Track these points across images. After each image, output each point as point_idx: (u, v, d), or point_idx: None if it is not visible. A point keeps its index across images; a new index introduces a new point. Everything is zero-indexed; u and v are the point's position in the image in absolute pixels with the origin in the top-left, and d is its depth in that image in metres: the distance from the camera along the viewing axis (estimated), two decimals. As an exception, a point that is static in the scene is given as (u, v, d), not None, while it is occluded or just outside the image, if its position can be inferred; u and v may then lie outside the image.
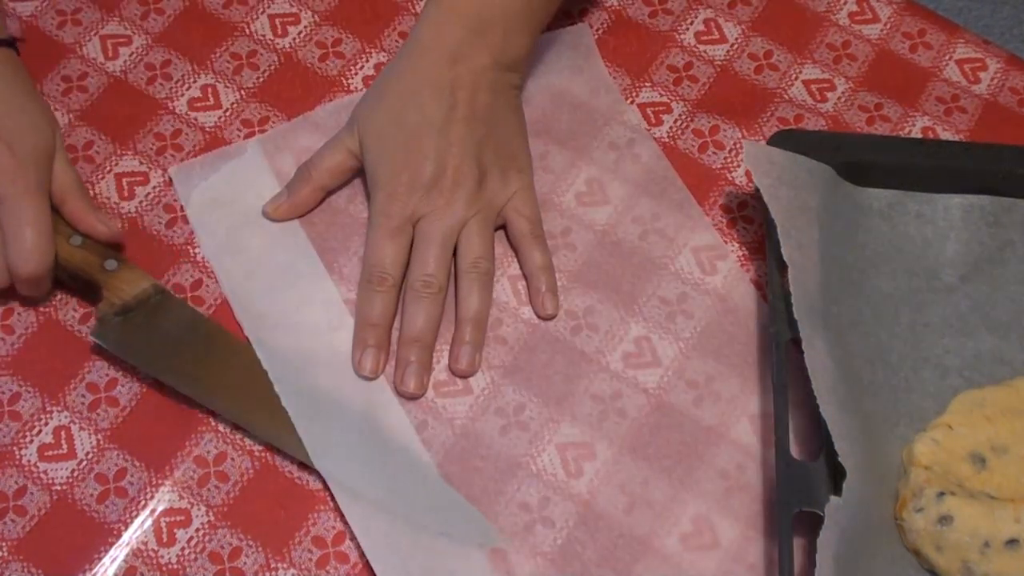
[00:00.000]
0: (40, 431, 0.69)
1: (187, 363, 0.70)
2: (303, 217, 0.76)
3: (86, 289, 0.71)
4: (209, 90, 0.80)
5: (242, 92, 0.80)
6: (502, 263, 0.75)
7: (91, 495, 0.67)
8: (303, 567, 0.66)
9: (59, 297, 0.73)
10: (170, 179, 0.77)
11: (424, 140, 0.73)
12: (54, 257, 0.69)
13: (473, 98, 0.73)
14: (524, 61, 0.76)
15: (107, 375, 0.70)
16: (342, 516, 0.67)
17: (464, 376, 0.71)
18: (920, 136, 0.81)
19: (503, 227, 0.76)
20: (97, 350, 0.71)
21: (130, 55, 0.81)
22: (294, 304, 0.73)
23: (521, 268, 0.75)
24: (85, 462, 0.68)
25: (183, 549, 0.66)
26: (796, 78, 0.83)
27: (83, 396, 0.70)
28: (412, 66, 0.74)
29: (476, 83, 0.73)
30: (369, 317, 0.71)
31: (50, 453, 0.68)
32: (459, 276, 0.72)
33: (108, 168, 0.77)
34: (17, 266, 0.68)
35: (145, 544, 0.66)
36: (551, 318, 0.73)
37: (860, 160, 0.75)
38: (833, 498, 0.62)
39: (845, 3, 0.87)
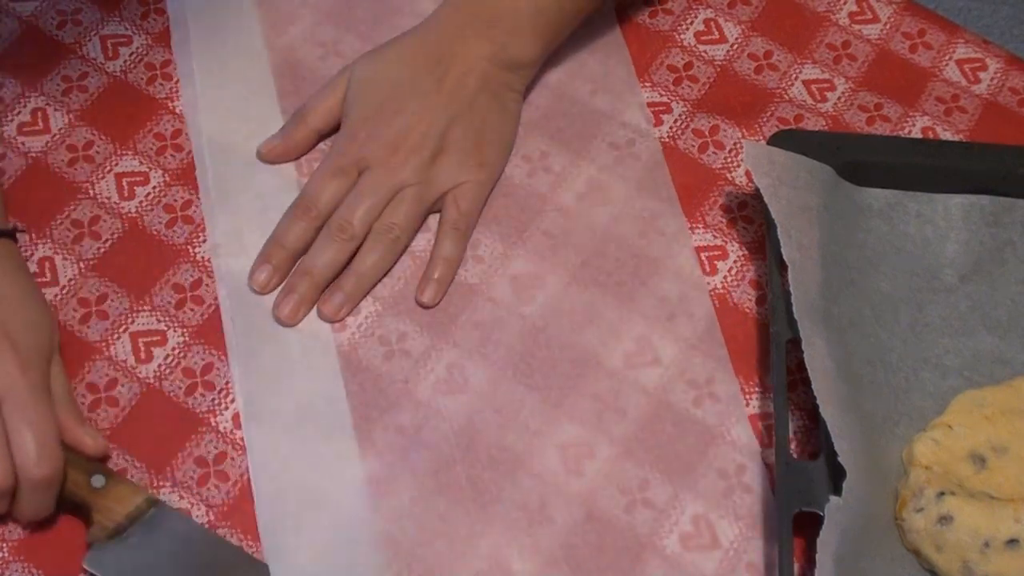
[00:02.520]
0: (40, 431, 0.69)
1: None
2: (296, 161, 0.77)
3: (74, 510, 0.66)
4: (209, 90, 0.80)
5: (242, 92, 0.80)
6: (502, 263, 0.75)
7: (91, 495, 0.67)
8: (303, 567, 0.66)
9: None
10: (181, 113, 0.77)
11: (403, 100, 0.75)
12: (63, 461, 0.64)
13: (463, 79, 0.75)
14: (528, 67, 0.78)
15: (107, 375, 0.70)
16: (342, 516, 0.67)
17: (325, 320, 0.72)
18: (920, 136, 0.81)
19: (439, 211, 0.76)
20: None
21: (130, 55, 0.81)
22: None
23: (431, 253, 0.74)
24: (85, 462, 0.68)
25: (183, 549, 0.66)
26: (796, 78, 0.83)
27: (83, 396, 0.70)
28: (418, 36, 0.77)
29: (470, 67, 0.75)
30: (282, 239, 0.73)
31: (50, 453, 0.68)
32: (370, 232, 0.73)
33: (108, 168, 0.77)
34: (28, 468, 0.62)
35: (145, 544, 0.66)
36: (425, 307, 0.73)
37: (860, 160, 0.75)
38: (833, 498, 0.62)
39: (845, 3, 0.87)
